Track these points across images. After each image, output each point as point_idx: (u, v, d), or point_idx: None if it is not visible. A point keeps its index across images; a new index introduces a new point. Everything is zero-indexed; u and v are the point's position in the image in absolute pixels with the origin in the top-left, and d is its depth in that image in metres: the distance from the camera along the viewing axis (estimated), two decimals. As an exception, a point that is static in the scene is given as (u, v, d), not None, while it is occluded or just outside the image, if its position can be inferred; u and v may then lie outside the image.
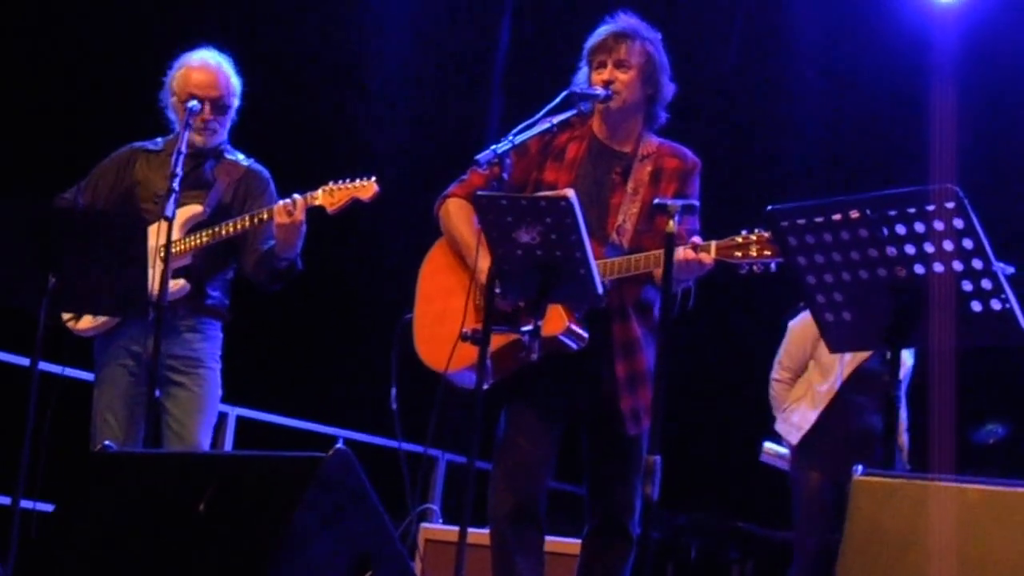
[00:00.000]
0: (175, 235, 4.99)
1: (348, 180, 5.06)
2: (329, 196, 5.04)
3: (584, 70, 4.69)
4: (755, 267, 4.32)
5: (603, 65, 4.61)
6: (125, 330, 5.16)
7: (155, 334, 4.66)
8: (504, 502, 4.56)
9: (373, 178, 5.06)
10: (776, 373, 6.62)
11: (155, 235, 4.88)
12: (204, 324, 5.23)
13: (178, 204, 4.81)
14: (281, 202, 5.02)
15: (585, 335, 4.46)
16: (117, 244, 4.64)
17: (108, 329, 5.18)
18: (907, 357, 6.22)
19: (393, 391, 4.55)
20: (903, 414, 6.25)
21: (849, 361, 6.31)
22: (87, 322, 5.17)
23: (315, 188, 5.05)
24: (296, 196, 5.03)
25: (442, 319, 4.54)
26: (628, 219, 4.56)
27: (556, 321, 4.39)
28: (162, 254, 4.81)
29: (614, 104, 4.60)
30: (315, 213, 5.07)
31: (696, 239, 4.37)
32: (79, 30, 7.88)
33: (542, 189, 4.59)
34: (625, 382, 4.54)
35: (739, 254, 4.31)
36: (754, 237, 4.29)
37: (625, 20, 4.69)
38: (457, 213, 4.69)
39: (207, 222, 5.15)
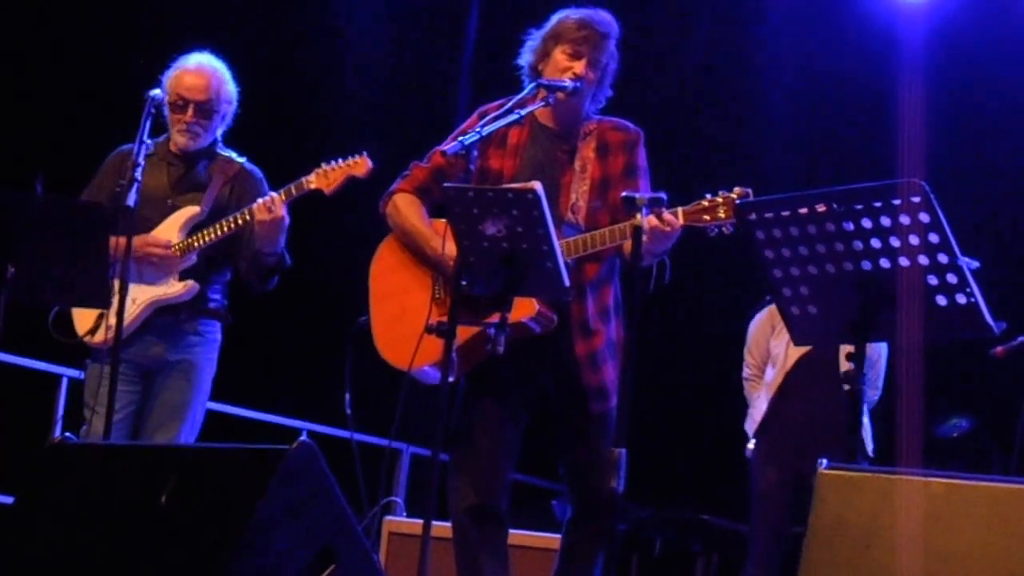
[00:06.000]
0: (175, 237, 5.09)
1: (340, 160, 5.03)
2: (324, 178, 5.03)
3: (545, 46, 4.61)
4: (724, 228, 4.33)
5: (578, 56, 4.55)
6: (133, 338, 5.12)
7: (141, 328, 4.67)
8: (465, 498, 4.53)
9: (364, 153, 5.04)
10: (744, 372, 6.65)
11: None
12: (205, 327, 5.25)
13: (177, 205, 5.04)
14: (260, 200, 5.00)
15: (554, 317, 4.44)
16: (78, 233, 4.61)
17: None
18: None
19: (347, 396, 4.54)
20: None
21: (793, 350, 6.33)
22: (101, 335, 5.09)
23: (305, 174, 5.04)
24: (273, 194, 5.02)
25: (401, 317, 4.51)
26: (580, 197, 4.54)
27: (525, 306, 4.36)
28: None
29: (573, 96, 4.55)
30: (311, 199, 5.04)
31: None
32: (62, 27, 7.85)
33: (488, 178, 4.57)
34: (586, 360, 4.52)
35: (707, 217, 4.33)
36: (720, 199, 4.32)
37: (607, 18, 4.63)
38: (407, 208, 4.65)
39: (206, 222, 5.15)
